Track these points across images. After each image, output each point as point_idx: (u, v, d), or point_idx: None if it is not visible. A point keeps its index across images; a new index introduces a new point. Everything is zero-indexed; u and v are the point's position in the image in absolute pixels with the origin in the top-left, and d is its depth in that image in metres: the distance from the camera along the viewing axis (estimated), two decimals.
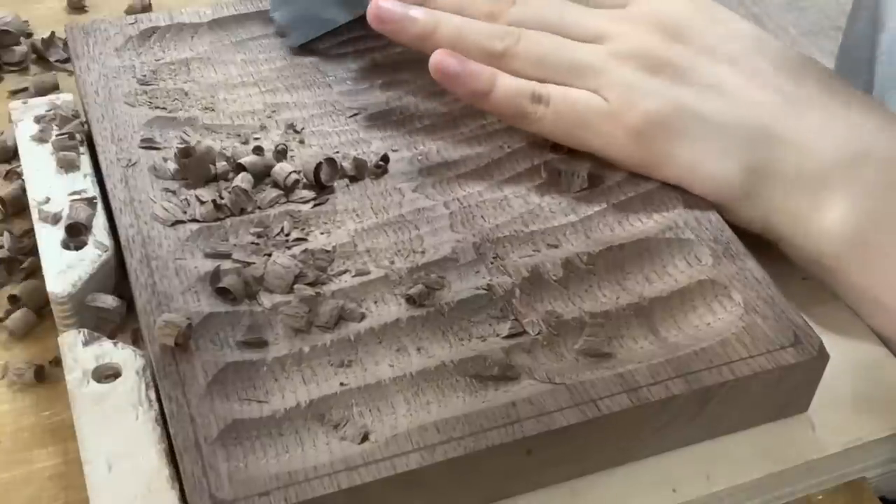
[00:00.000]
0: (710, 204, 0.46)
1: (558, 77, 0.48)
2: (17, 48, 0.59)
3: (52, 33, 0.60)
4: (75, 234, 0.44)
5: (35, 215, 0.45)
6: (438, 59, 0.48)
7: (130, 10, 0.63)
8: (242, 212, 0.45)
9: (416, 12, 0.49)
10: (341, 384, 0.39)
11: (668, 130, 0.46)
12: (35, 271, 0.46)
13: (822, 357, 0.41)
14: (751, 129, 0.45)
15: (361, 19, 0.52)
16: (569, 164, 0.48)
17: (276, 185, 0.46)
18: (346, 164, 0.47)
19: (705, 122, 0.46)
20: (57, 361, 0.43)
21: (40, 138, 0.49)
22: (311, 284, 0.42)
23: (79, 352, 0.41)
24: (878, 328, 0.45)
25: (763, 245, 0.46)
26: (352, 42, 0.55)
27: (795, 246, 0.45)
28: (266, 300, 0.41)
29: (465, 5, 0.51)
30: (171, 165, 0.47)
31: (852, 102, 0.46)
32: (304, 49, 0.55)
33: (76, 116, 0.50)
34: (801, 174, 0.45)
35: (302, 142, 0.49)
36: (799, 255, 0.46)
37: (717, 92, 0.46)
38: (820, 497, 0.42)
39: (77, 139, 0.49)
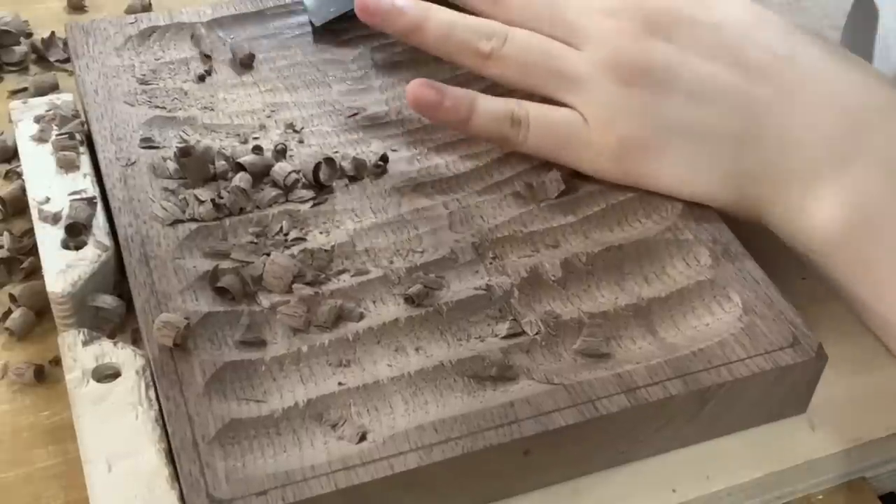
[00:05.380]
0: (708, 205, 0.46)
1: (540, 86, 0.47)
2: (17, 48, 0.59)
3: (52, 33, 0.60)
4: (75, 234, 0.44)
5: (35, 215, 0.45)
6: (415, 91, 0.47)
7: (130, 10, 0.63)
8: (241, 211, 0.45)
9: (405, 4, 0.48)
10: (339, 384, 0.39)
11: (647, 150, 0.45)
12: (35, 271, 0.46)
13: (821, 358, 0.41)
14: (739, 132, 0.44)
15: None
16: (539, 174, 0.47)
17: (275, 184, 0.46)
18: (346, 164, 0.47)
19: (688, 133, 0.44)
20: (57, 361, 0.43)
21: (40, 138, 0.49)
22: (309, 284, 0.42)
23: (79, 352, 0.41)
24: (871, 328, 0.44)
25: (762, 246, 0.45)
26: (351, 42, 0.55)
27: (789, 241, 0.45)
28: (264, 300, 0.41)
29: None
30: (171, 165, 0.47)
31: (852, 76, 0.44)
32: (325, 33, 0.55)
33: (76, 116, 0.50)
34: (792, 170, 0.43)
35: (301, 141, 0.49)
36: (795, 249, 0.45)
37: (703, 97, 0.44)
38: (820, 497, 0.42)
39: (77, 139, 0.49)
